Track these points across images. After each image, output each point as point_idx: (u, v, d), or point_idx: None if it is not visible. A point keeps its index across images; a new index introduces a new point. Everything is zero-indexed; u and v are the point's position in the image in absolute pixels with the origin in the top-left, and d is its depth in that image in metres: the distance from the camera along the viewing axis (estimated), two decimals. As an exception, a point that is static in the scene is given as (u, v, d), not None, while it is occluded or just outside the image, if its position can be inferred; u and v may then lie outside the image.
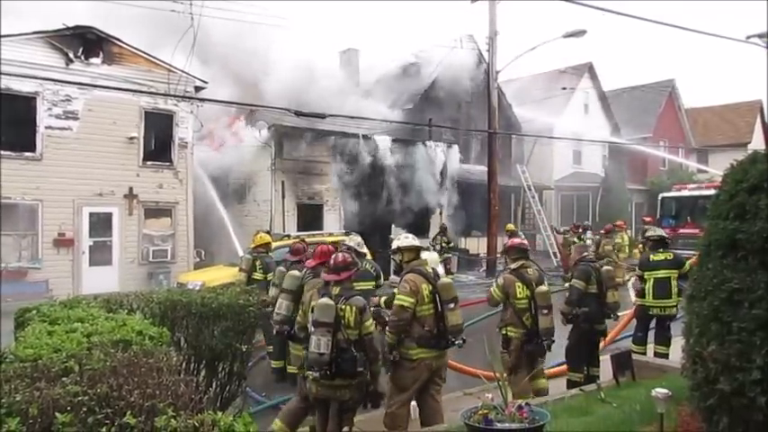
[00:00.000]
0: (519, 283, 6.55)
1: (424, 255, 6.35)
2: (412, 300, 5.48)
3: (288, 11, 28.31)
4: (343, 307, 5.05)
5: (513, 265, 6.75)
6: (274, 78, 21.38)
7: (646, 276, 8.38)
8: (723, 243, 3.39)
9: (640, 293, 8.48)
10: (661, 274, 8.16)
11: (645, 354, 7.99)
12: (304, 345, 5.28)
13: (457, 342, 5.59)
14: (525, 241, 7.46)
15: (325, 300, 5.05)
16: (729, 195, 3.45)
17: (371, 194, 20.23)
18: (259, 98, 19.68)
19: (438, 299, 5.60)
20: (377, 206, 20.13)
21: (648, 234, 9.07)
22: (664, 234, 8.85)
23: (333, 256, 5.47)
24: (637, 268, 8.96)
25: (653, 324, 8.53)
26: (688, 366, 3.51)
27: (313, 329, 4.97)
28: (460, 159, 24.01)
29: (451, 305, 5.59)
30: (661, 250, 8.45)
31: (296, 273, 6.72)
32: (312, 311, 5.09)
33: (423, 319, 5.57)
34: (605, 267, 7.70)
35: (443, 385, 5.98)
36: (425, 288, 5.58)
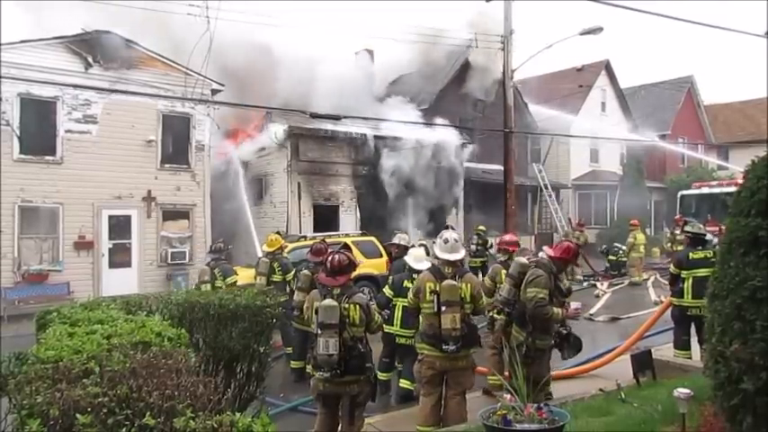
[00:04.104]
0: (504, 272, 7.26)
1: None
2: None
3: (303, 13, 28.44)
4: (347, 306, 5.12)
5: (502, 258, 7.87)
6: (290, 80, 21.46)
7: (684, 275, 7.91)
8: (745, 240, 3.33)
9: (677, 293, 8.04)
10: (701, 272, 7.59)
11: (691, 358, 7.55)
12: (309, 345, 5.35)
13: (446, 347, 5.46)
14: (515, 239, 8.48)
15: (329, 301, 5.07)
16: (751, 192, 3.39)
17: (386, 195, 20.21)
18: (275, 100, 19.77)
19: (437, 299, 5.52)
20: (392, 206, 20.11)
21: (687, 229, 8.48)
22: (703, 230, 8.36)
23: (330, 258, 5.39)
24: (671, 266, 8.49)
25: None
26: (710, 366, 3.45)
27: (320, 332, 4.98)
28: (476, 158, 23.92)
29: (443, 308, 5.45)
30: (700, 248, 8.02)
31: (307, 272, 7.00)
32: (316, 313, 5.10)
33: (426, 317, 5.66)
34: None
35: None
36: (429, 286, 5.62)
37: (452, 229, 8.16)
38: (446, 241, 5.75)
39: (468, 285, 5.62)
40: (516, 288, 6.40)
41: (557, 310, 6.00)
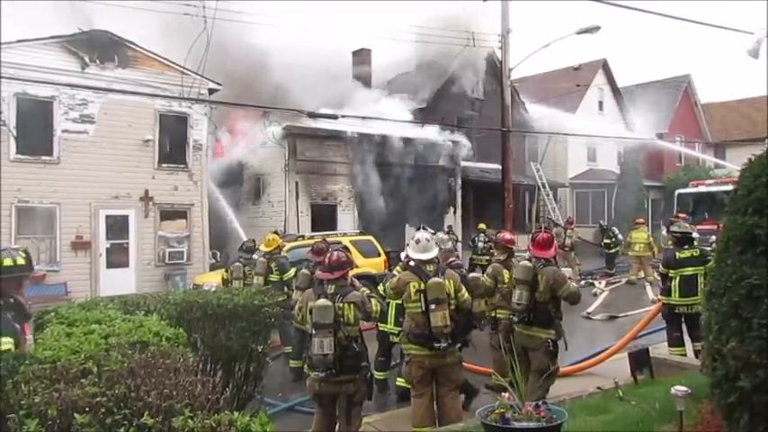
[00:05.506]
0: (506, 271, 7.41)
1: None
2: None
3: (301, 12, 28.41)
4: (341, 305, 5.14)
5: (501, 257, 7.73)
6: (288, 79, 21.45)
7: (671, 274, 8.06)
8: (742, 238, 3.34)
9: (666, 292, 8.16)
10: (688, 271, 7.84)
11: (685, 355, 7.65)
12: (305, 344, 5.39)
13: (438, 345, 5.49)
14: (513, 237, 8.27)
15: (323, 301, 5.09)
16: (747, 191, 3.39)
17: (385, 194, 20.21)
18: (271, 99, 19.76)
19: (424, 298, 5.55)
20: (390, 206, 20.12)
21: (673, 229, 8.63)
22: (689, 230, 8.47)
23: (329, 255, 5.47)
24: (660, 265, 8.60)
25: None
26: (707, 363, 3.46)
27: (315, 332, 5.00)
28: (474, 157, 23.93)
29: (432, 306, 5.48)
30: (687, 247, 8.14)
31: (306, 272, 7.03)
32: (311, 313, 5.10)
33: (413, 317, 5.66)
34: (471, 275, 7.42)
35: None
36: (413, 286, 5.62)
37: (425, 229, 8.12)
38: (417, 242, 5.82)
39: (451, 281, 5.68)
40: (531, 292, 6.33)
41: None
